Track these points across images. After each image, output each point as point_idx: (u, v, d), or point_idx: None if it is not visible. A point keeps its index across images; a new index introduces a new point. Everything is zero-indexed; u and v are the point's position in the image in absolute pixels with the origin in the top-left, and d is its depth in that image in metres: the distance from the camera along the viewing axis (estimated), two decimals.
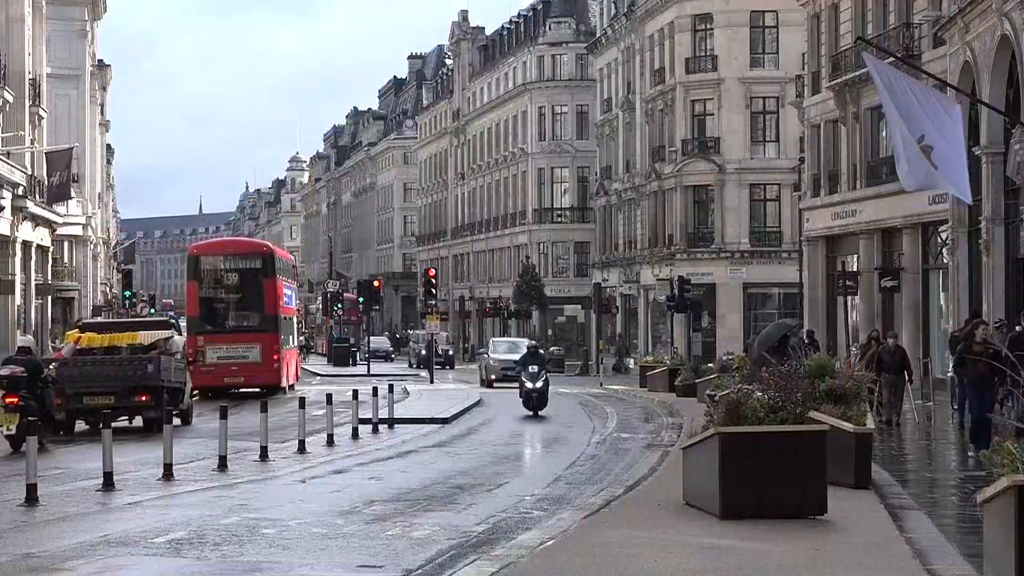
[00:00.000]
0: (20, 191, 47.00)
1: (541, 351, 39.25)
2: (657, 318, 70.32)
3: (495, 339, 61.26)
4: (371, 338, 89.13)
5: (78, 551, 12.88)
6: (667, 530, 13.67)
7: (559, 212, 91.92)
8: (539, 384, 34.92)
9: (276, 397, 41.29)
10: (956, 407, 29.73)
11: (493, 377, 51.94)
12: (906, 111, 20.05)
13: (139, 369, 28.65)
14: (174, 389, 29.67)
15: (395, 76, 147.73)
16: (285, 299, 46.92)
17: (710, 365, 43.22)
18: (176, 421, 28.79)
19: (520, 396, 35.35)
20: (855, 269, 45.78)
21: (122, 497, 17.18)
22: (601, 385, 54.18)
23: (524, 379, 35.18)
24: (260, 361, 42.90)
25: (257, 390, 42.33)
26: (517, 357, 44.68)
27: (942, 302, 40.59)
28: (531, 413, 34.70)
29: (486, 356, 55.76)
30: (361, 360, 79.09)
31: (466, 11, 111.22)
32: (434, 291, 58.64)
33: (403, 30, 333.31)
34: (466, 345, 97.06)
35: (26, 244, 49.78)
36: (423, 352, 67.44)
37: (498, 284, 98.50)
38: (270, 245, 51.52)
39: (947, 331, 36.89)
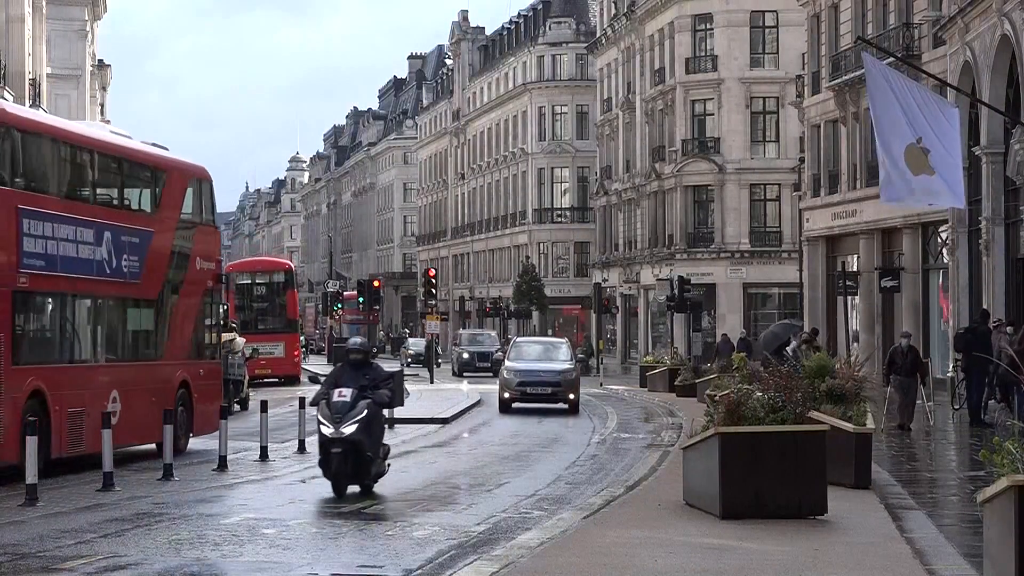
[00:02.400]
0: None
1: (374, 359, 19.57)
2: (657, 318, 70.32)
3: (519, 339, 46.46)
4: (410, 340, 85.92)
5: (78, 551, 12.88)
6: (667, 530, 13.67)
7: (559, 212, 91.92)
8: (349, 429, 17.10)
9: (289, 388, 46.32)
10: (957, 407, 29.76)
11: (507, 396, 36.39)
12: (905, 113, 20.07)
13: None
14: (236, 381, 35.56)
15: (395, 76, 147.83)
16: (300, 306, 58.33)
17: (710, 365, 43.25)
18: (236, 408, 34.90)
19: (319, 452, 17.65)
20: (855, 269, 45.77)
21: (122, 497, 17.18)
22: (601, 385, 54.18)
23: (321, 418, 17.39)
24: (284, 356, 51.68)
25: (278, 380, 50.51)
26: (549, 367, 36.51)
27: (940, 303, 40.59)
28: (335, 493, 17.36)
29: (503, 365, 38.79)
30: (403, 366, 75.53)
31: (466, 11, 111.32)
32: (434, 291, 58.63)
33: (403, 30, 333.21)
34: None
35: None
36: (464, 356, 62.37)
37: (498, 284, 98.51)
38: (290, 264, 63.48)
39: (948, 331, 36.91)
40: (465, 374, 60.18)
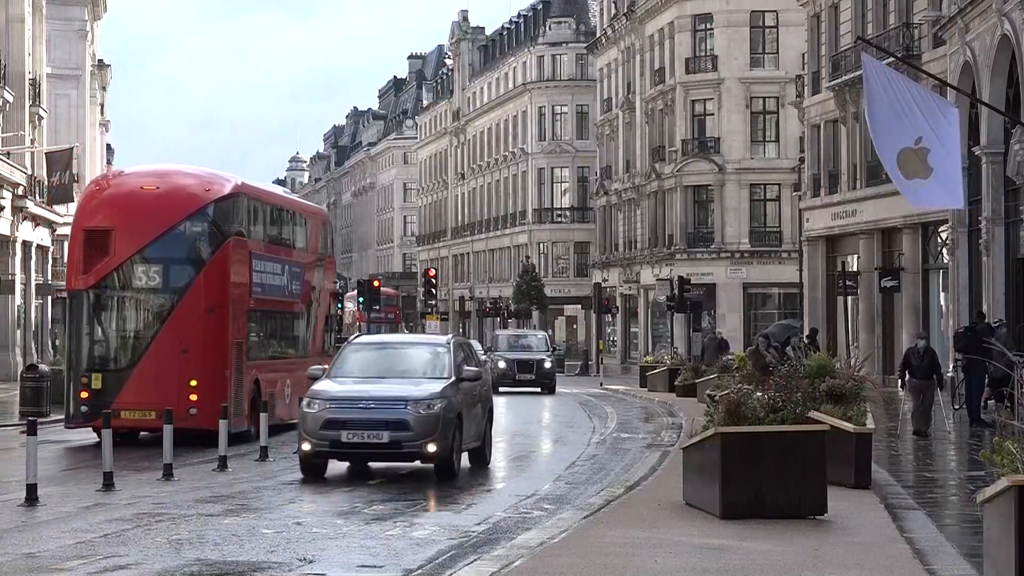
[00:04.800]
0: (20, 191, 47.02)
1: None
2: (657, 318, 70.32)
3: (364, 338, 24.50)
4: None
5: (78, 551, 12.88)
6: (667, 530, 13.67)
7: (559, 212, 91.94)
8: None
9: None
10: (957, 407, 29.73)
11: (308, 448, 19.60)
12: (903, 113, 20.06)
13: None
14: None
15: (395, 76, 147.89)
16: None
17: (705, 366, 43.23)
18: None
19: None
20: (855, 269, 45.77)
21: (122, 497, 17.18)
22: (601, 385, 54.18)
23: None
24: None
25: None
26: (389, 392, 19.56)
27: (942, 302, 40.59)
28: None
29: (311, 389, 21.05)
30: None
31: (466, 11, 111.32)
32: (434, 291, 58.71)
33: (403, 30, 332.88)
34: None
35: (26, 244, 49.81)
36: (500, 365, 48.33)
37: (498, 284, 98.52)
38: None
39: (948, 331, 36.92)
40: (502, 388, 45.90)
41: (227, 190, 26.31)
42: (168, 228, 25.57)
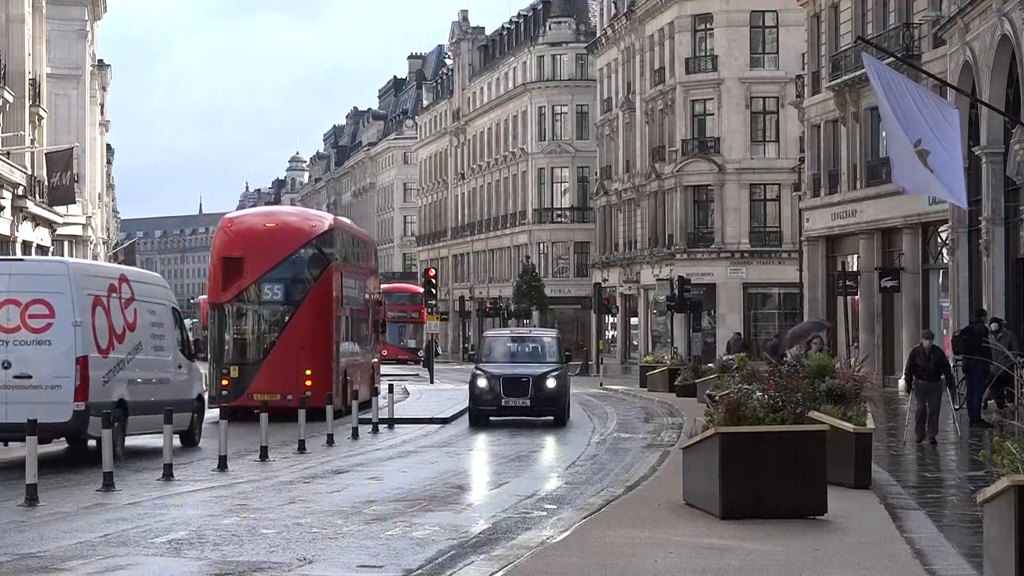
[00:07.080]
0: (20, 191, 47.00)
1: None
2: (657, 318, 70.31)
3: None
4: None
5: (78, 551, 12.87)
6: (667, 530, 13.67)
7: (559, 212, 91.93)
8: None
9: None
10: (957, 407, 29.73)
11: None
12: (903, 114, 20.07)
13: None
14: None
15: (395, 76, 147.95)
16: None
17: (710, 365, 43.25)
18: None
19: None
20: (855, 269, 45.77)
21: (122, 497, 17.17)
22: (601, 385, 54.16)
23: None
24: None
25: None
26: None
27: (942, 302, 40.57)
28: None
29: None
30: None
31: (466, 11, 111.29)
32: (434, 291, 58.67)
33: (403, 30, 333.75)
34: (466, 345, 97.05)
35: (26, 244, 49.77)
36: (480, 385, 31.73)
37: (498, 284, 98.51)
38: None
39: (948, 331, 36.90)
40: (492, 418, 32.08)
41: (326, 226, 34.05)
42: (286, 256, 32.97)
